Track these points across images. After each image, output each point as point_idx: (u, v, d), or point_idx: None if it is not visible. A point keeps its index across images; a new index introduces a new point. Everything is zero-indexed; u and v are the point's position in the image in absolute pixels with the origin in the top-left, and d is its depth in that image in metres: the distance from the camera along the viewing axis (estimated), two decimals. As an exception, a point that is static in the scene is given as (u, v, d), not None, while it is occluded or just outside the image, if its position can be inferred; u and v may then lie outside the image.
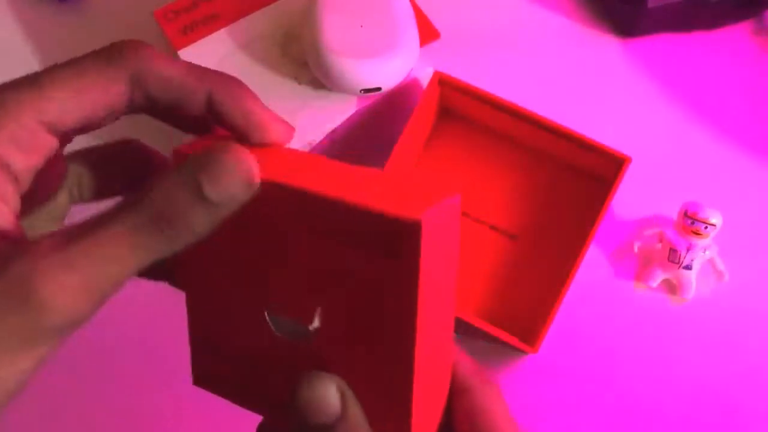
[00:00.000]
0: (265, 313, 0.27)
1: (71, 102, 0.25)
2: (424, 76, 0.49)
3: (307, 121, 0.47)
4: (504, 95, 0.49)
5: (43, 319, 0.21)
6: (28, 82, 0.24)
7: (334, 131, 0.48)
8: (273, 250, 0.26)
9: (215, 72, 0.27)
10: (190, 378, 0.45)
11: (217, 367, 0.29)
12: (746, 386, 0.49)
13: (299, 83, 0.48)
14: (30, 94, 0.24)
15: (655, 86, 0.56)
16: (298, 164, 0.26)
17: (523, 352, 0.46)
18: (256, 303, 0.27)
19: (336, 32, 0.45)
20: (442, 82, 0.49)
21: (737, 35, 0.57)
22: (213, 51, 0.49)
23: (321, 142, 0.48)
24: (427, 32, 0.50)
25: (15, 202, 0.24)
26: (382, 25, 0.46)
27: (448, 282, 0.27)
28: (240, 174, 0.24)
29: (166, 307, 0.50)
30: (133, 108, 0.26)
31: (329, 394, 0.26)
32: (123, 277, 0.23)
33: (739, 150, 0.54)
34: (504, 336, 0.45)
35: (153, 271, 0.28)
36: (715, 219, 0.48)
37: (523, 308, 0.49)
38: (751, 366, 0.49)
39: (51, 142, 0.25)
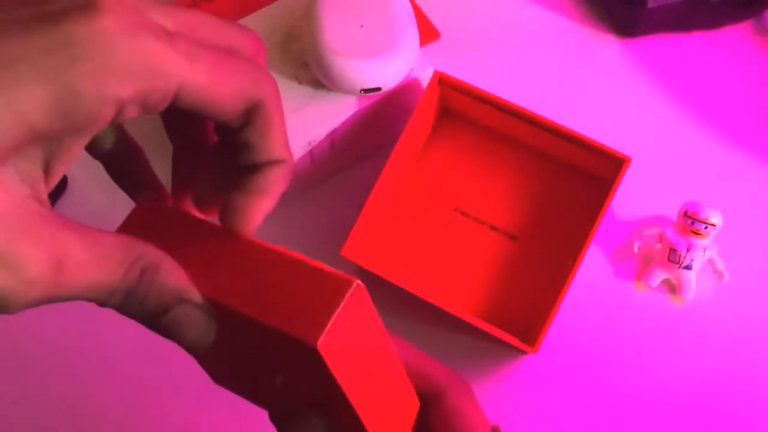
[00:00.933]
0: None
1: (208, 91, 0.24)
2: (424, 76, 0.49)
3: (307, 121, 0.47)
4: (504, 95, 0.49)
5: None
6: None
7: (334, 131, 0.48)
8: (230, 337, 0.28)
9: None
10: (189, 378, 0.45)
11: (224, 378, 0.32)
12: (746, 386, 0.49)
13: (299, 83, 0.48)
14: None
15: (655, 86, 0.56)
16: (209, 258, 0.27)
17: (523, 352, 0.46)
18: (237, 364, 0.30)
19: (336, 32, 0.45)
20: (442, 82, 0.49)
21: (737, 35, 0.57)
22: (213, 51, 0.48)
23: (321, 142, 0.48)
24: (427, 32, 0.50)
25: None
26: (382, 25, 0.46)
27: (379, 348, 0.28)
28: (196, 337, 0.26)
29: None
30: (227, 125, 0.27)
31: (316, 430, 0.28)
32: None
33: (739, 150, 0.54)
34: (504, 336, 0.45)
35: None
36: (715, 219, 0.48)
37: (523, 308, 0.49)
38: (751, 366, 0.49)
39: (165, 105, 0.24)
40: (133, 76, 0.22)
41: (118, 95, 0.22)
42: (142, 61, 0.22)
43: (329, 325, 0.24)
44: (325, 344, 0.24)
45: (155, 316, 0.25)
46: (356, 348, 0.26)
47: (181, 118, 0.29)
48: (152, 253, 0.25)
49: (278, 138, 0.27)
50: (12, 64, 0.21)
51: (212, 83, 0.24)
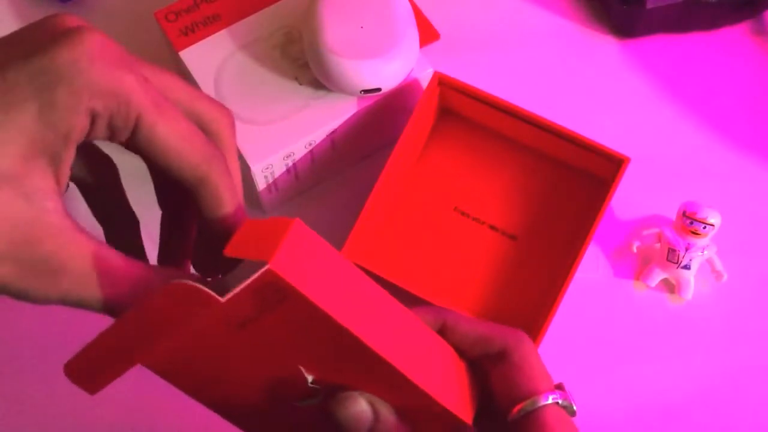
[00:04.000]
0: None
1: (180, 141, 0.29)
2: (424, 77, 0.49)
3: (307, 121, 0.47)
4: (504, 96, 0.49)
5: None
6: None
7: (334, 131, 0.48)
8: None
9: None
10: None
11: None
12: (745, 386, 0.49)
13: (300, 84, 0.48)
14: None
15: (654, 87, 0.56)
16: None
17: (522, 351, 0.46)
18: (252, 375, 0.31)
19: (336, 33, 0.46)
20: (441, 82, 0.49)
21: (736, 36, 0.57)
22: (214, 52, 0.49)
23: (321, 142, 0.48)
24: (427, 33, 0.50)
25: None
26: (382, 26, 0.46)
27: (359, 286, 0.29)
28: None
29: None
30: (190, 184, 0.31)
31: (361, 406, 0.30)
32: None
33: (738, 150, 0.54)
34: (503, 335, 0.45)
35: None
36: (714, 219, 0.49)
37: (521, 308, 0.49)
38: (750, 366, 0.49)
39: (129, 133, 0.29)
40: (101, 94, 0.26)
41: (88, 106, 0.26)
42: (111, 84, 0.27)
43: (279, 247, 0.26)
44: (278, 263, 0.25)
45: None
46: (323, 277, 0.27)
47: (171, 184, 0.31)
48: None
49: (224, 202, 0.31)
50: (11, 88, 0.25)
51: (168, 135, 0.28)
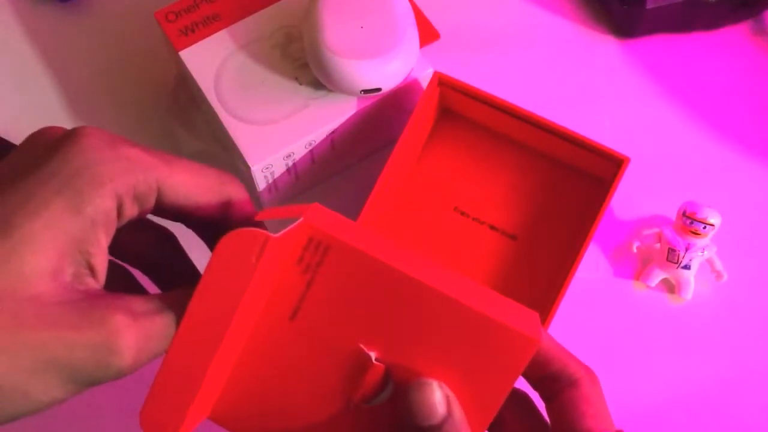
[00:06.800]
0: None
1: (191, 190, 0.30)
2: (424, 77, 0.49)
3: (308, 121, 0.47)
4: (504, 96, 0.49)
5: (107, 373, 0.27)
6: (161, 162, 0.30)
7: (334, 132, 0.48)
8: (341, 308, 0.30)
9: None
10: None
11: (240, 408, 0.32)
12: (745, 386, 0.49)
13: (300, 84, 0.48)
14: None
15: (654, 87, 0.56)
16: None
17: (522, 351, 0.46)
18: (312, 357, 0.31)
19: (336, 33, 0.46)
20: (441, 82, 0.49)
21: (736, 36, 0.57)
22: (214, 52, 0.49)
23: (321, 142, 0.48)
24: (427, 33, 0.50)
25: (108, 241, 0.29)
26: (382, 26, 0.46)
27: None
28: None
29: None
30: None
31: (437, 397, 0.29)
32: (159, 355, 0.28)
33: (738, 150, 0.54)
34: (503, 335, 0.45)
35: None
36: (714, 219, 0.49)
37: (522, 308, 0.49)
38: (750, 366, 0.49)
39: (152, 205, 0.30)
40: (119, 172, 0.28)
41: (112, 188, 0.27)
42: (124, 160, 0.28)
43: (309, 208, 0.29)
44: (311, 218, 0.28)
45: None
46: (356, 232, 0.29)
47: (212, 228, 0.33)
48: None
49: (250, 216, 0.33)
50: (34, 192, 0.27)
51: (188, 182, 0.30)
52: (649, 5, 0.54)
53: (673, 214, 0.50)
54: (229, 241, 0.27)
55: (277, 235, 0.27)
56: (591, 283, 0.51)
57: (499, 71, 0.56)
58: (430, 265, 0.30)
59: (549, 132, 0.49)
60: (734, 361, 0.49)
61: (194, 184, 0.30)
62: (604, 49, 0.57)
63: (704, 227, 0.48)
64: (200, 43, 0.49)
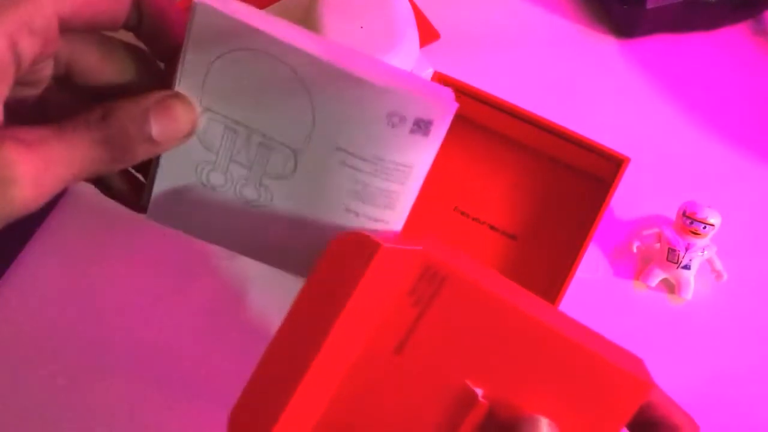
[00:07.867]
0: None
1: (86, 3, 0.27)
2: (424, 77, 0.49)
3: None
4: (503, 95, 0.49)
5: (8, 206, 0.25)
6: None
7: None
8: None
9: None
10: (191, 381, 0.45)
11: None
12: (744, 385, 0.49)
13: (299, 83, 0.48)
14: None
15: (654, 87, 0.56)
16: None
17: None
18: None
19: (336, 33, 0.46)
20: (441, 82, 0.49)
21: (736, 36, 0.57)
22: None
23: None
24: (427, 33, 0.50)
25: (8, 85, 0.26)
26: (382, 26, 0.46)
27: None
28: (186, 125, 0.29)
29: (170, 309, 0.50)
30: (126, 25, 0.29)
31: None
32: (69, 181, 0.27)
33: (738, 150, 0.54)
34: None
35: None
36: (714, 219, 0.49)
37: (522, 308, 0.49)
38: (749, 365, 0.49)
39: (56, 34, 0.27)
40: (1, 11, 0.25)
41: None
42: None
43: (425, 237, 0.29)
44: (428, 248, 0.27)
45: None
46: (468, 264, 0.28)
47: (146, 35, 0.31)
48: None
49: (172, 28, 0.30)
50: None
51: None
52: (649, 5, 0.54)
53: (673, 214, 0.50)
54: (339, 243, 0.26)
55: (388, 245, 0.26)
56: (591, 283, 0.51)
57: (499, 71, 0.56)
58: (541, 304, 0.29)
59: (549, 132, 0.49)
60: (734, 361, 0.49)
61: None
62: (604, 49, 0.57)
63: (704, 227, 0.48)
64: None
